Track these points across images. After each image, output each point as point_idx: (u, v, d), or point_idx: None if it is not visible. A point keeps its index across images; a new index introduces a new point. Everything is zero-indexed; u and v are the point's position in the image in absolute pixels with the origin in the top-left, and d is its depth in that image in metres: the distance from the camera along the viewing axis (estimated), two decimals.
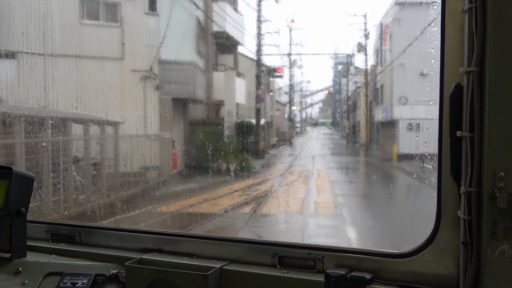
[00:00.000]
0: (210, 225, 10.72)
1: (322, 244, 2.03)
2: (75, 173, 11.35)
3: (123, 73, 15.94)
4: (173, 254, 2.25)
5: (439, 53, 1.72)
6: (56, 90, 10.65)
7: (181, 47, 19.05)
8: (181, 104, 18.57)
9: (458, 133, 1.60)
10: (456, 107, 1.62)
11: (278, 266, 2.04)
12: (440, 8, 1.71)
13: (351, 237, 10.06)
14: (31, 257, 2.36)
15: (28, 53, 9.95)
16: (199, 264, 2.11)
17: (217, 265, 2.06)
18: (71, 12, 15.17)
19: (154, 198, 12.84)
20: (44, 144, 9.66)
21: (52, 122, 9.93)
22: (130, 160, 13.83)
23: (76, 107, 11.45)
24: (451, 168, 1.66)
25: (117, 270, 2.18)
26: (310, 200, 14.77)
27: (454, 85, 1.64)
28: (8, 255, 2.30)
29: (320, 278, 1.88)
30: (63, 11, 14.60)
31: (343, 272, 1.84)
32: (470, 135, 1.56)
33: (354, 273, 1.84)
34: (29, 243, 2.39)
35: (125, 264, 2.12)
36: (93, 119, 12.45)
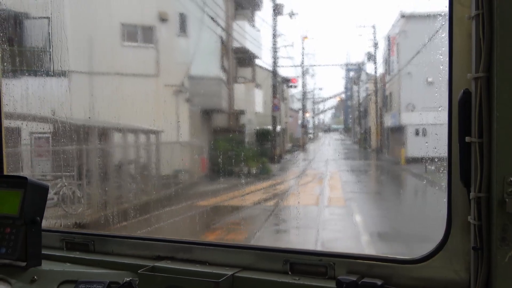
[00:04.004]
0: (243, 214, 12.67)
1: (333, 250, 2.09)
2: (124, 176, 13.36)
3: (158, 88, 17.67)
4: (185, 262, 2.26)
5: (447, 59, 1.71)
6: (102, 104, 12.60)
7: (208, 64, 21.10)
8: (207, 114, 20.30)
9: (467, 139, 1.58)
10: (465, 113, 1.60)
11: (290, 273, 2.03)
12: (447, 15, 1.71)
13: (357, 220, 12.04)
14: (46, 265, 2.36)
15: (77, 72, 11.91)
16: (211, 271, 2.11)
17: (229, 272, 2.06)
18: (114, 36, 17.25)
19: (192, 195, 14.84)
20: (109, 149, 11.72)
21: (112, 132, 11.95)
22: (166, 163, 15.71)
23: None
24: (460, 174, 1.65)
25: (131, 278, 2.20)
26: (324, 195, 16.54)
27: (462, 91, 1.62)
28: (23, 263, 2.31)
29: (332, 284, 1.88)
30: (108, 35, 16.77)
31: (354, 279, 1.83)
32: (479, 140, 1.53)
33: (365, 279, 1.84)
34: (44, 251, 2.40)
35: (138, 271, 2.13)
36: (142, 129, 14.42)
